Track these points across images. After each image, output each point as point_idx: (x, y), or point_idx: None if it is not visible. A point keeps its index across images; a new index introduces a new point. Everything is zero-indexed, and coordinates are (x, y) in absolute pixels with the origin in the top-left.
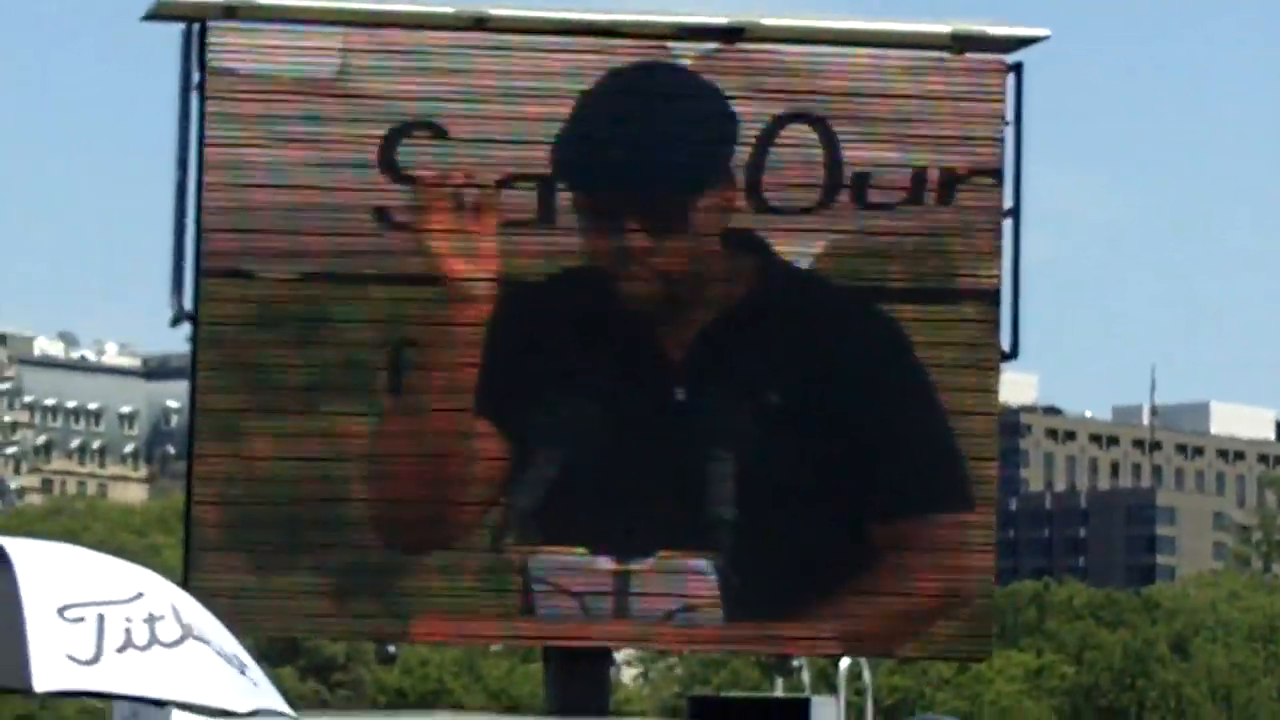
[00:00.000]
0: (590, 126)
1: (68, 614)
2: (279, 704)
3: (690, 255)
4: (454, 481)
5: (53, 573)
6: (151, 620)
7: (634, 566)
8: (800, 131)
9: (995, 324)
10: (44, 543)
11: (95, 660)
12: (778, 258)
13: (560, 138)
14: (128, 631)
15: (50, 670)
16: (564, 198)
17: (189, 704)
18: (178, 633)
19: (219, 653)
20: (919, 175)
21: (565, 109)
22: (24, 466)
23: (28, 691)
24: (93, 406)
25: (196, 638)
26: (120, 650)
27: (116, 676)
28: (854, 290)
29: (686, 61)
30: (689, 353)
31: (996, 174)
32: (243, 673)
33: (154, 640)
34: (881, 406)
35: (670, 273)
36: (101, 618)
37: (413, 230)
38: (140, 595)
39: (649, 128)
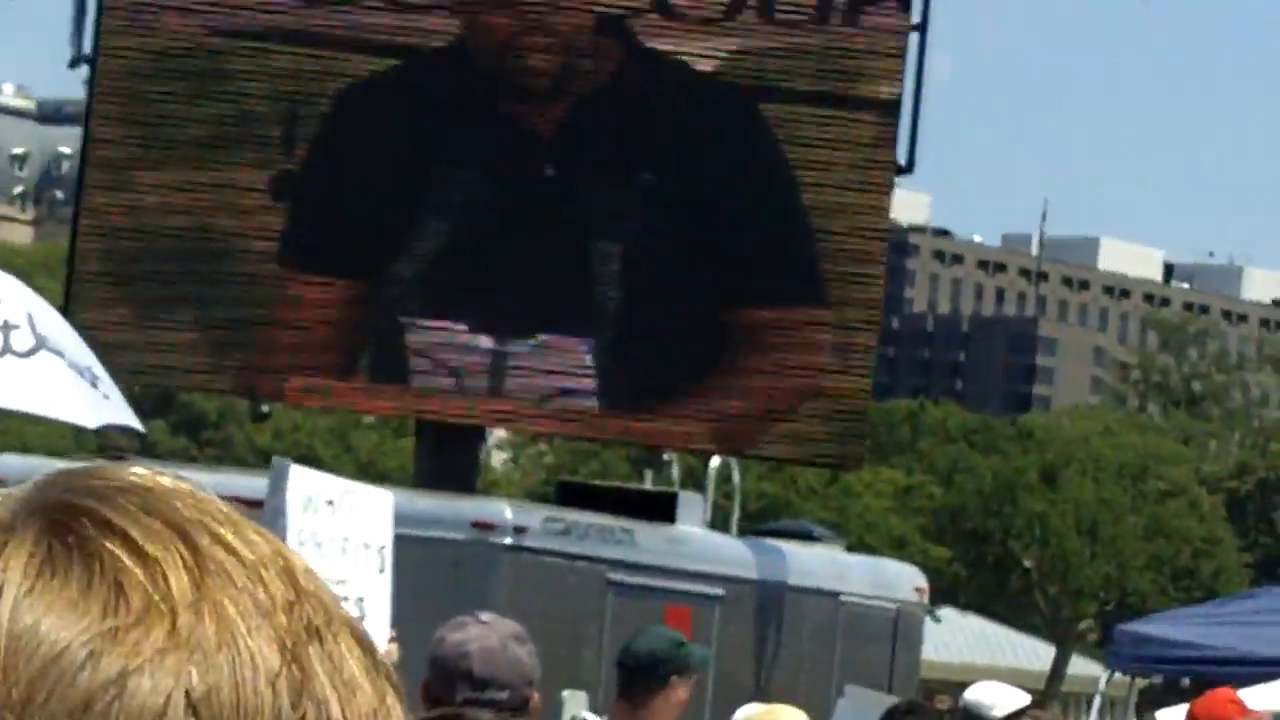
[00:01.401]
0: None
1: None
2: (129, 419)
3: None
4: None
5: None
6: (6, 328)
7: (512, 348)
8: None
9: (893, 136)
10: None
11: None
12: (642, 45)
13: None
14: None
15: None
16: None
17: (39, 415)
18: (31, 343)
19: (71, 365)
20: None
21: None
22: None
23: None
24: None
25: (51, 349)
26: None
27: None
28: (742, 88)
29: None
30: (557, 130)
31: None
32: (94, 386)
33: (7, 349)
34: (745, 199)
35: (543, 52)
36: None
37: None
38: None
39: None
